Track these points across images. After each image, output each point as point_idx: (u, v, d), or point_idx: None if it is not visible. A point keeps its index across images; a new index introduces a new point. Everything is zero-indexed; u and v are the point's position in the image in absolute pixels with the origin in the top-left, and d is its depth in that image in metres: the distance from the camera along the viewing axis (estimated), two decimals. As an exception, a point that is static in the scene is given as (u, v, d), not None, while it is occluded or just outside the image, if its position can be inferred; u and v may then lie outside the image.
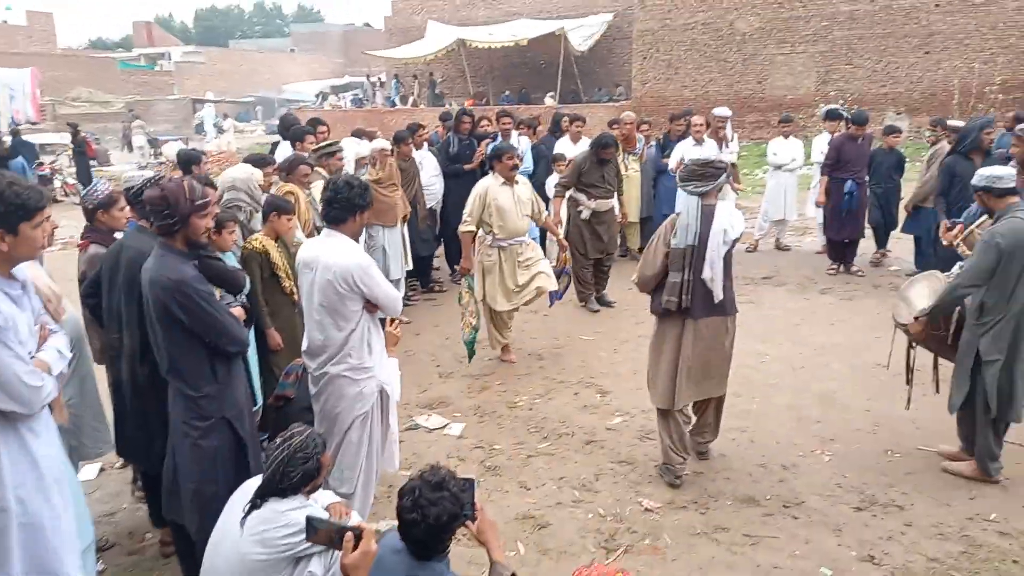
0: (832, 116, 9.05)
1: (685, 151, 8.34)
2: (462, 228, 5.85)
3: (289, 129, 7.40)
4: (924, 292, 4.26)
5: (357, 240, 3.63)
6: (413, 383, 5.68)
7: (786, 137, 9.44)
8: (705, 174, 3.93)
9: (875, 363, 5.56)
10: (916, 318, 4.15)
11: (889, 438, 4.63)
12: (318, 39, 53.36)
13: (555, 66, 25.07)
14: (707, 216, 3.91)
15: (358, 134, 7.99)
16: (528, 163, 8.45)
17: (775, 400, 5.25)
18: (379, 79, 33.78)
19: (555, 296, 6.40)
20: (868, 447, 4.54)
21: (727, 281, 4.00)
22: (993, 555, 3.47)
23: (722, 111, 9.14)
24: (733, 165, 9.13)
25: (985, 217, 4.19)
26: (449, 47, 25.08)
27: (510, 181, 5.82)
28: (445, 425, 5.03)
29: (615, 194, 7.39)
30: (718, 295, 3.95)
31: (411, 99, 28.37)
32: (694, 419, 4.44)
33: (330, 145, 6.34)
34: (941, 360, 4.34)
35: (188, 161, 5.60)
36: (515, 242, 5.87)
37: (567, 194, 7.27)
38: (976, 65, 19.40)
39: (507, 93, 27.71)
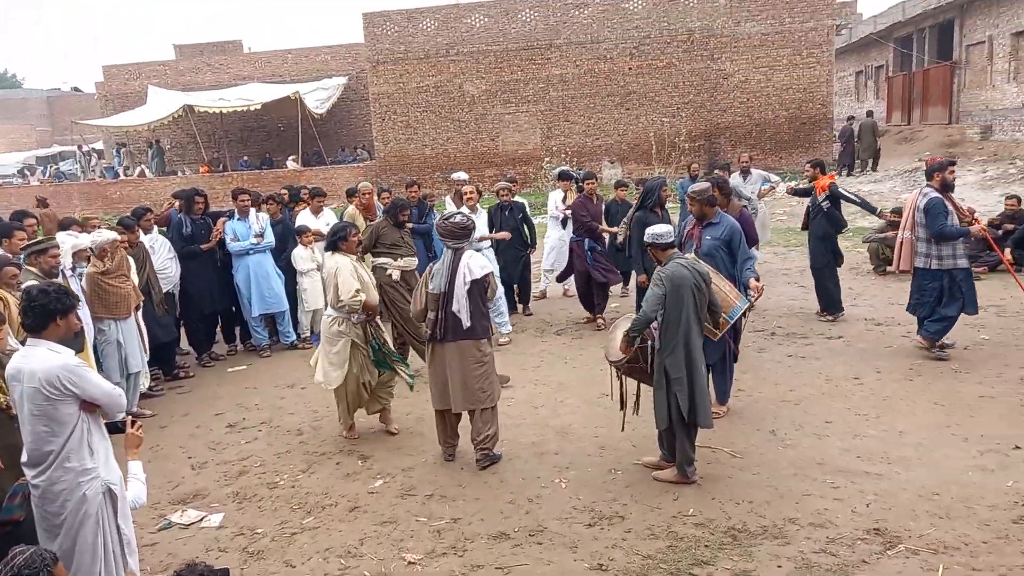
0: (564, 176, 10.14)
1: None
2: (358, 298, 5.71)
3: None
4: (622, 331, 5.12)
5: (80, 338, 3.62)
6: (164, 479, 5.49)
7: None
8: (461, 234, 5.34)
9: (601, 393, 6.41)
10: (622, 346, 4.98)
11: (613, 458, 5.41)
12: (17, 106, 47.78)
13: (294, 129, 25.02)
14: (454, 264, 5.26)
15: (68, 224, 7.44)
16: (269, 238, 8.49)
17: (521, 439, 5.86)
18: (92, 148, 31.12)
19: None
20: (597, 469, 5.26)
21: (477, 312, 5.27)
22: (691, 544, 4.24)
23: (459, 175, 9.92)
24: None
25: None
26: (175, 113, 23.94)
27: (358, 258, 6.11)
28: (202, 518, 4.94)
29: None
30: (466, 323, 5.23)
31: (138, 168, 26.46)
32: (472, 427, 5.45)
33: (40, 242, 5.92)
34: (644, 388, 5.21)
35: None
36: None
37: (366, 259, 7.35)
38: (665, 120, 22.72)
39: (245, 158, 27.00)
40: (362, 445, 5.96)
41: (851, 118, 22.28)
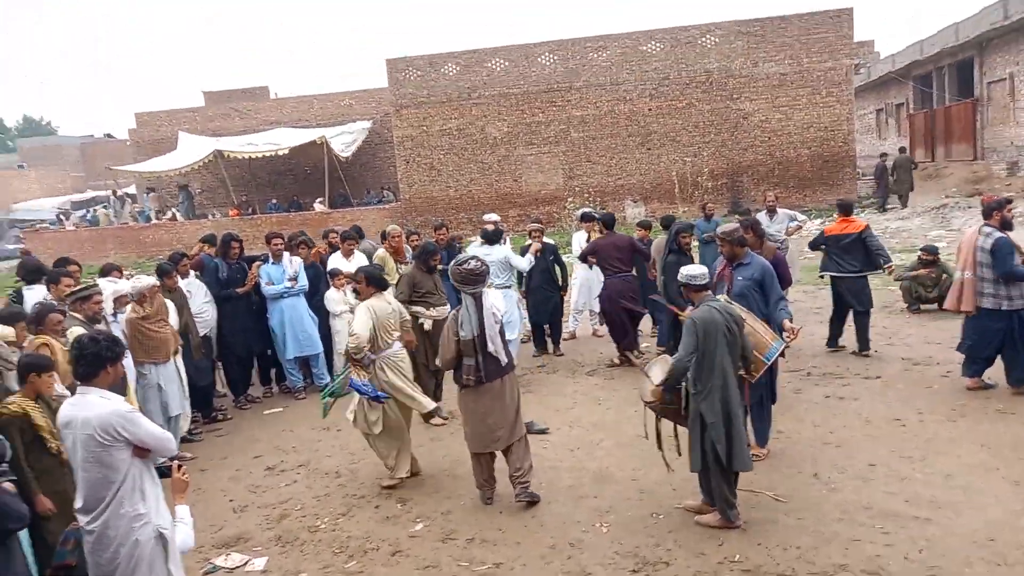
0: (587, 218, 10.23)
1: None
2: (354, 344, 5.75)
3: (32, 273, 6.98)
4: (660, 371, 5.11)
5: (124, 384, 3.69)
6: (207, 523, 5.51)
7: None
8: (477, 280, 5.39)
9: (636, 435, 6.36)
10: (654, 391, 4.97)
11: (653, 502, 5.35)
12: (52, 153, 49.17)
13: (321, 172, 25.46)
14: (480, 308, 5.33)
15: (108, 270, 7.61)
16: (303, 281, 8.61)
17: (558, 483, 5.82)
18: (125, 193, 31.83)
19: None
20: (637, 514, 5.21)
21: (506, 346, 5.44)
22: (740, 590, 4.18)
23: (491, 216, 10.08)
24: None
25: (692, 307, 5.17)
26: (206, 158, 24.50)
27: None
28: (246, 562, 4.96)
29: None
30: (503, 360, 5.37)
31: (170, 213, 26.99)
32: (510, 464, 5.49)
33: (85, 289, 6.07)
34: (681, 428, 5.18)
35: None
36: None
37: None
38: (687, 159, 22.85)
39: (274, 201, 27.44)
40: (399, 488, 5.95)
41: (884, 154, 22.18)
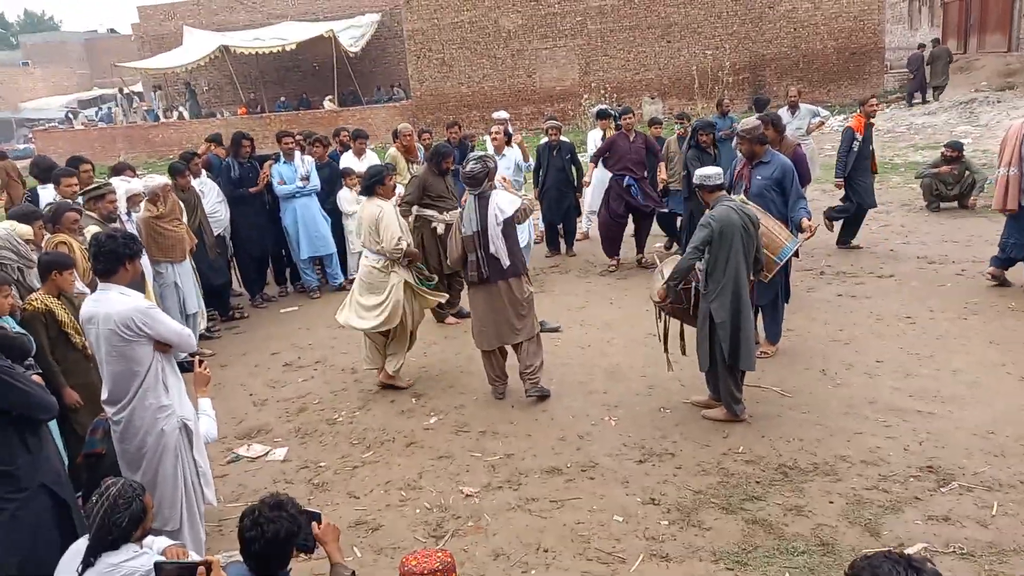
0: (602, 115, 10.00)
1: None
2: (400, 247, 5.70)
3: (45, 172, 6.98)
4: (671, 271, 5.13)
5: (142, 281, 3.74)
6: (228, 415, 5.73)
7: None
8: (476, 181, 5.39)
9: (648, 333, 6.45)
10: (660, 292, 5.02)
11: (662, 397, 5.49)
12: (56, 50, 48.16)
13: (329, 68, 24.87)
14: (483, 207, 5.35)
15: (121, 169, 7.59)
16: (315, 181, 8.56)
17: (568, 379, 5.96)
18: (132, 91, 31.37)
19: None
20: (645, 408, 5.35)
21: (513, 249, 5.39)
22: (742, 480, 4.34)
23: (500, 114, 9.85)
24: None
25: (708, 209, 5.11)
26: (212, 54, 23.96)
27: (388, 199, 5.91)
28: (267, 452, 5.18)
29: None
30: (505, 262, 5.36)
31: (176, 112, 26.67)
32: (520, 360, 5.62)
33: (99, 188, 6.07)
34: (688, 328, 5.24)
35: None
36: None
37: (413, 211, 7.19)
38: (708, 52, 22.04)
39: (283, 99, 27.02)
40: (416, 383, 6.13)
41: (922, 45, 21.19)
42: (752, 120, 5.92)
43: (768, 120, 6.30)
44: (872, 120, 8.48)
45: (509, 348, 5.70)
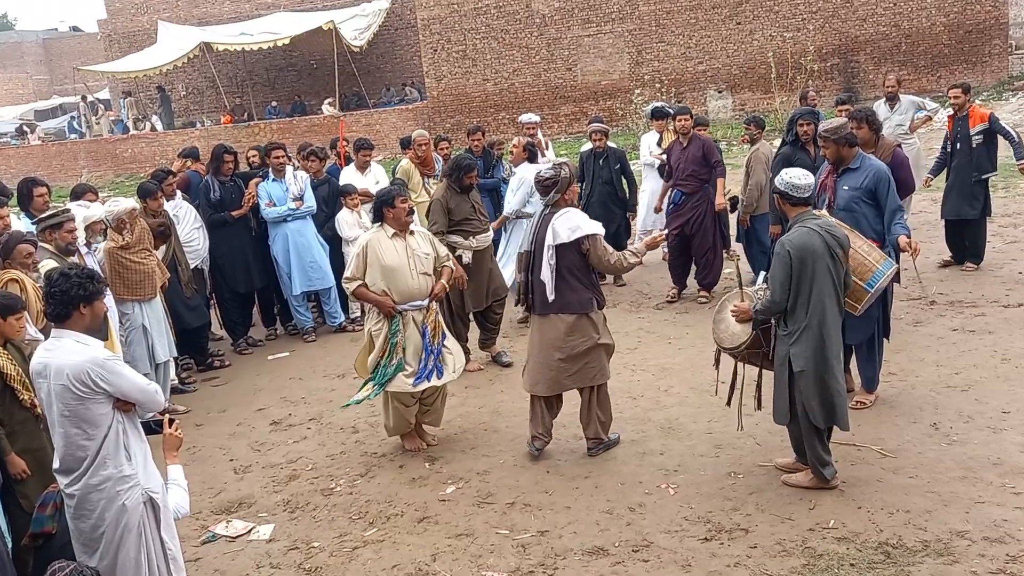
0: (658, 115, 10.09)
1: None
2: (349, 286, 5.85)
3: (-3, 199, 7.21)
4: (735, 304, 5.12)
5: (105, 326, 3.85)
6: (204, 486, 5.82)
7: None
8: (543, 189, 5.57)
9: (714, 380, 6.38)
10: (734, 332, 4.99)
11: (731, 459, 5.45)
12: (10, 52, 50.10)
13: (329, 66, 25.46)
14: (543, 224, 5.50)
15: (82, 192, 7.82)
16: (310, 201, 8.73)
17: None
18: (96, 99, 32.36)
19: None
20: (712, 473, 5.32)
21: (568, 281, 5.41)
22: (832, 563, 4.27)
23: (529, 117, 10.00)
24: None
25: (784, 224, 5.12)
26: (191, 53, 24.66)
27: (403, 232, 5.87)
28: (250, 529, 5.25)
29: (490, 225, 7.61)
30: (550, 294, 5.40)
31: (148, 122, 27.41)
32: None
33: (55, 215, 6.26)
34: (765, 373, 5.21)
35: None
36: (412, 307, 5.84)
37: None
38: (787, 35, 22.09)
39: (274, 104, 27.66)
40: (430, 444, 6.16)
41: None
42: (837, 119, 5.93)
43: (860, 117, 6.30)
44: (961, 114, 8.67)
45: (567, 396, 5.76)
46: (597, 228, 5.53)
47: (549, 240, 5.40)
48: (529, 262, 5.58)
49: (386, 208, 5.83)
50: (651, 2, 22.60)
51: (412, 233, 5.94)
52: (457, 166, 7.25)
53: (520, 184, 8.44)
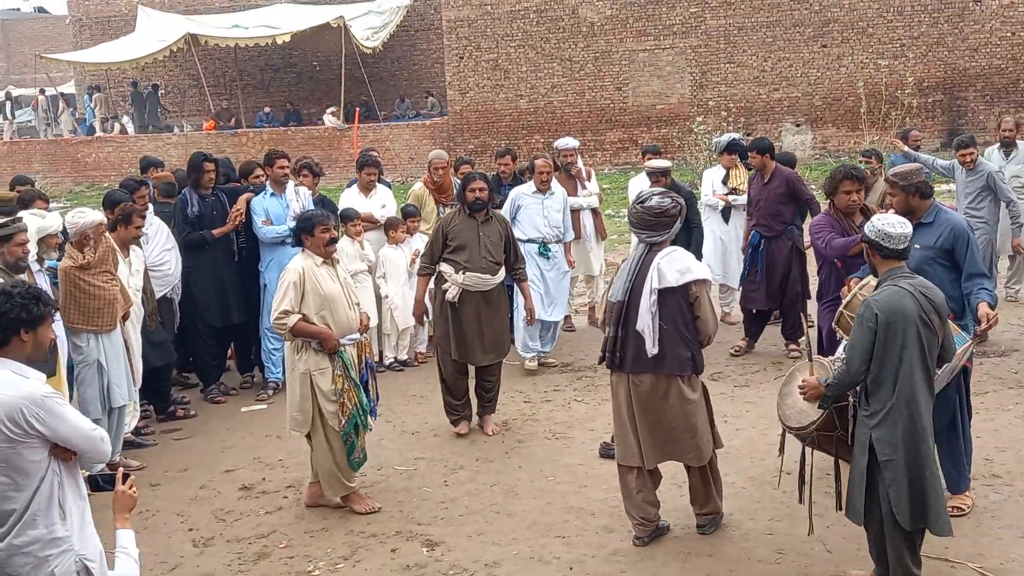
0: (733, 148, 10.09)
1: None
2: (286, 321, 5.99)
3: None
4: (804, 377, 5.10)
5: (53, 357, 3.86)
6: (156, 559, 5.79)
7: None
8: (656, 223, 5.46)
9: (778, 470, 6.34)
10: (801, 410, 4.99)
11: (796, 569, 5.37)
12: (-40, 34, 51.23)
13: (336, 70, 25.74)
14: (644, 265, 5.45)
15: (30, 199, 7.90)
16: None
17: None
18: (60, 93, 32.91)
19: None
20: (772, 582, 5.25)
21: (671, 334, 5.39)
22: None
23: (566, 143, 10.07)
24: (594, 211, 10.07)
25: (871, 278, 5.10)
26: (174, 46, 25.05)
27: (330, 260, 6.25)
28: (208, 616, 5.22)
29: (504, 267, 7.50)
30: (651, 349, 5.36)
31: (118, 123, 27.81)
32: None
33: (4, 226, 6.30)
34: (844, 464, 5.16)
35: None
36: (348, 341, 6.21)
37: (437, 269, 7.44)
38: (883, 63, 22.21)
39: (267, 111, 28.00)
40: (430, 526, 6.13)
41: None
42: (910, 164, 5.99)
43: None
44: None
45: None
46: (708, 273, 5.66)
47: (653, 283, 5.38)
48: (621, 313, 5.52)
49: (304, 235, 6.17)
50: (721, 15, 22.85)
51: (338, 262, 6.44)
52: (464, 179, 7.50)
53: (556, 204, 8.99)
